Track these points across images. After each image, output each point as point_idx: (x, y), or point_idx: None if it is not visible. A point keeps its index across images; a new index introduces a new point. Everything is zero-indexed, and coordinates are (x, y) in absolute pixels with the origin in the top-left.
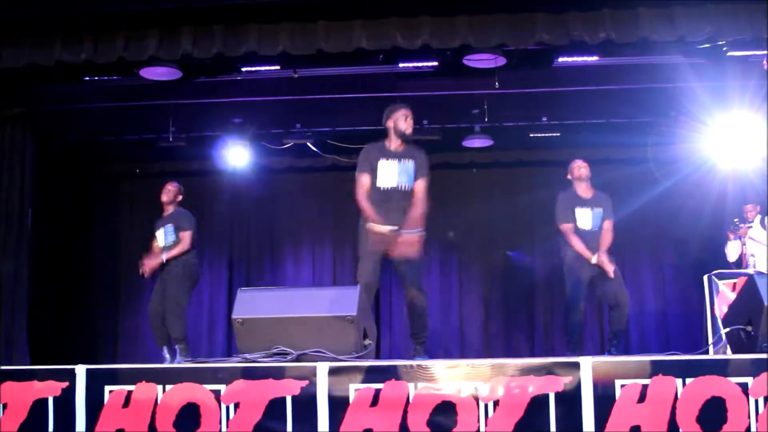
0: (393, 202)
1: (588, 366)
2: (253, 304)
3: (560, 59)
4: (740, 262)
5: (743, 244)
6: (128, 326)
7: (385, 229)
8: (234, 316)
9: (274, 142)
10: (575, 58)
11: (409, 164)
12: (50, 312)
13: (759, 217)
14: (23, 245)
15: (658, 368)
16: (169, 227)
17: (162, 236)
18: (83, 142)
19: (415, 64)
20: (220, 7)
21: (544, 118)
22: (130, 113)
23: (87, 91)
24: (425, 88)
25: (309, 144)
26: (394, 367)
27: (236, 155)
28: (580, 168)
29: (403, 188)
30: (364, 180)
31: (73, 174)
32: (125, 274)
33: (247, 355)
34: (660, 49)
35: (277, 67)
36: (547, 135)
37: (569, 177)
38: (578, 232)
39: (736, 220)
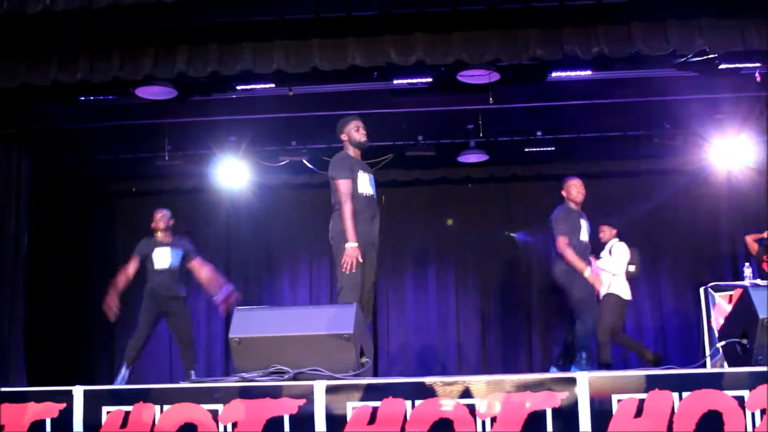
0: (373, 210)
1: (585, 381)
2: (250, 323)
3: (554, 74)
4: None
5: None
6: (125, 346)
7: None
8: (231, 335)
9: (269, 160)
10: (569, 73)
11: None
12: (47, 333)
13: (613, 241)
14: (19, 265)
15: (654, 382)
16: (178, 251)
17: (167, 257)
18: (79, 162)
19: (410, 81)
20: (215, 26)
21: (539, 133)
22: (125, 132)
23: (83, 111)
24: (420, 104)
25: (305, 161)
26: (392, 384)
27: (232, 173)
28: (578, 190)
29: (374, 198)
30: (349, 186)
31: (69, 193)
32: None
33: (245, 375)
34: (653, 62)
35: (272, 85)
36: (541, 149)
37: (564, 194)
38: (580, 244)
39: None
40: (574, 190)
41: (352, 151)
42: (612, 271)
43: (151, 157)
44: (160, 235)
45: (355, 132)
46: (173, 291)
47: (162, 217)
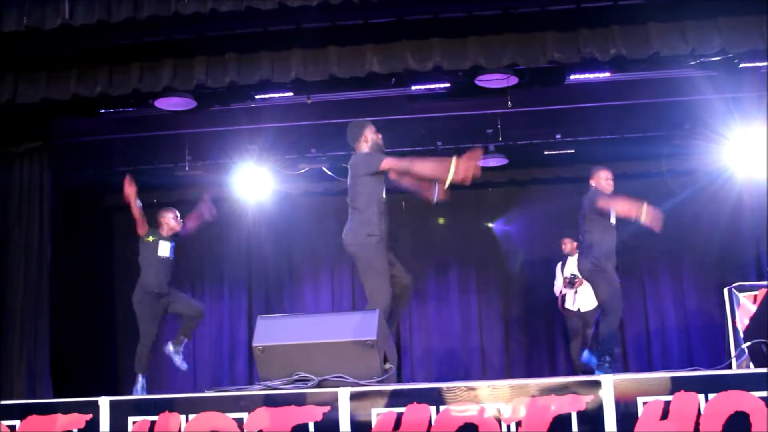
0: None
1: (609, 384)
2: (273, 331)
3: (572, 77)
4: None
5: (575, 292)
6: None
7: None
8: (254, 343)
9: (289, 168)
10: (587, 75)
11: None
12: (72, 344)
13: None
14: (43, 277)
15: (679, 384)
16: (173, 244)
17: (168, 249)
18: (100, 174)
19: (428, 86)
20: (233, 36)
21: (558, 136)
22: (146, 143)
23: (103, 123)
24: (438, 110)
25: (324, 168)
26: (416, 390)
27: (252, 182)
28: (608, 181)
29: None
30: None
31: (91, 206)
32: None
33: (269, 383)
34: (671, 62)
35: (291, 94)
36: (561, 152)
37: (593, 183)
38: (609, 225)
39: (570, 276)
40: (604, 180)
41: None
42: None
43: (171, 168)
44: (165, 234)
45: (374, 135)
46: (167, 280)
47: (175, 219)
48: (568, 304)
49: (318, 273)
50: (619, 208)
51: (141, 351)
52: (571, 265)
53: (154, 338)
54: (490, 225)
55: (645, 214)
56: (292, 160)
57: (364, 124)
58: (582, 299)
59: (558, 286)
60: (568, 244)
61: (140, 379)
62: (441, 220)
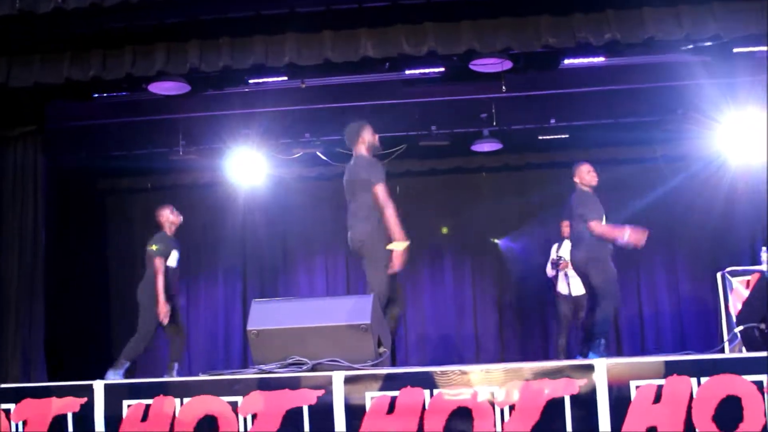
0: None
1: (603, 368)
2: (268, 315)
3: (566, 61)
4: (555, 280)
5: (566, 275)
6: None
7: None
8: (249, 327)
9: (283, 152)
10: (581, 60)
11: None
12: (66, 329)
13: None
14: (38, 262)
15: (672, 368)
16: (179, 249)
17: (176, 256)
18: (94, 158)
19: (422, 71)
20: (226, 20)
21: (552, 120)
22: (139, 128)
23: (97, 108)
24: (432, 94)
25: (319, 153)
26: (410, 374)
27: (247, 166)
28: (591, 174)
29: None
30: (386, 189)
31: (85, 190)
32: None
33: (263, 366)
34: (666, 47)
35: (285, 78)
36: (555, 137)
37: (576, 180)
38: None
39: (555, 257)
40: (587, 175)
41: (368, 155)
42: None
43: (165, 153)
44: (170, 232)
45: (371, 136)
46: (176, 289)
47: (172, 213)
48: (561, 288)
49: (312, 258)
50: (607, 232)
51: (137, 345)
52: (566, 249)
53: (153, 335)
54: (496, 241)
55: (627, 236)
56: (286, 145)
57: (362, 126)
58: (574, 284)
59: (549, 269)
60: (566, 228)
61: (124, 367)
62: (445, 230)
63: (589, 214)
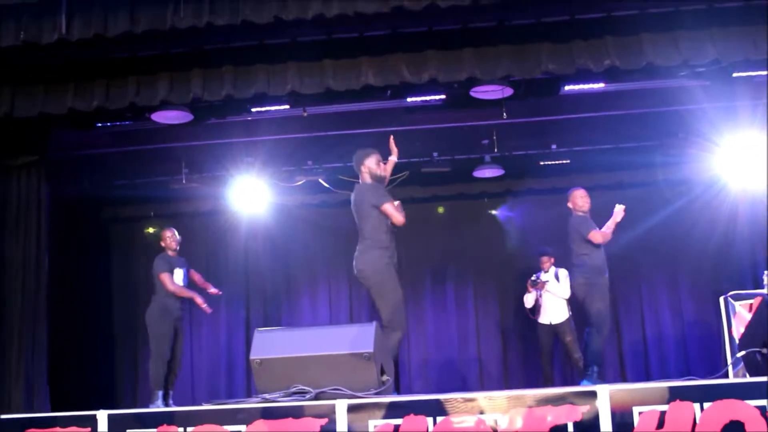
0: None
1: (605, 394)
2: (271, 344)
3: (566, 87)
4: (535, 309)
5: (540, 296)
6: (147, 369)
7: None
8: (252, 356)
9: (286, 180)
10: (581, 86)
11: None
12: (69, 357)
13: (553, 269)
14: (41, 290)
15: (675, 394)
16: (185, 270)
17: (181, 277)
18: (97, 187)
19: (423, 98)
20: (229, 49)
21: (554, 146)
22: (142, 156)
23: (100, 137)
24: (434, 121)
25: (321, 180)
26: (413, 402)
27: (249, 194)
28: (584, 200)
29: None
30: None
31: (88, 218)
32: (143, 316)
33: (267, 395)
34: (665, 72)
35: (287, 106)
36: (557, 162)
37: (570, 205)
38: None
39: (534, 277)
40: (580, 200)
41: (370, 182)
42: (563, 296)
43: (168, 181)
44: (172, 253)
45: (375, 165)
46: (181, 311)
47: (173, 236)
48: (541, 318)
49: (315, 285)
50: (606, 232)
51: (156, 370)
52: (545, 277)
53: (168, 356)
54: (494, 212)
55: (620, 215)
56: (289, 173)
57: (367, 154)
58: (552, 312)
59: (527, 297)
60: (547, 262)
61: (159, 395)
62: (440, 209)
63: (587, 230)
